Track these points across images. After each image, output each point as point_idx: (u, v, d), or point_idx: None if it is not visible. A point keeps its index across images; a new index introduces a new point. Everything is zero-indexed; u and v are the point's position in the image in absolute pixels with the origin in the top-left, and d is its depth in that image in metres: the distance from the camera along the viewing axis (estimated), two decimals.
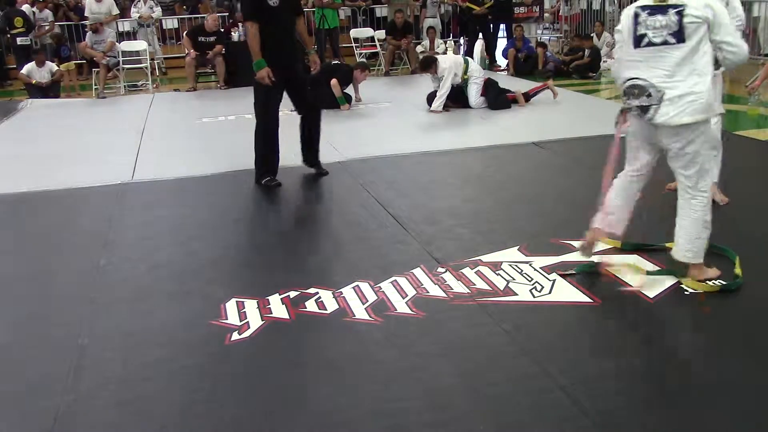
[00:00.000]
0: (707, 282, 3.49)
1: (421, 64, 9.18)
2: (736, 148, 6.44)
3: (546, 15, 15.03)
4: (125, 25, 13.38)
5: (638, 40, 3.40)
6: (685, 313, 3.30)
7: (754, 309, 3.30)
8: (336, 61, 10.45)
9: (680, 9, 3.28)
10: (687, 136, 3.37)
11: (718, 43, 3.32)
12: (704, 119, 3.36)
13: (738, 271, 3.55)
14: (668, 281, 3.54)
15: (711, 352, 2.97)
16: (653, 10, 3.35)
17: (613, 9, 13.89)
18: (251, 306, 3.51)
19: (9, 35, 12.36)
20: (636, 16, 3.41)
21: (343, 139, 7.30)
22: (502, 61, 12.80)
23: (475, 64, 9.12)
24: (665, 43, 3.32)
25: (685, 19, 3.27)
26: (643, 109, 3.40)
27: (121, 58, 11.80)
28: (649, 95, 3.37)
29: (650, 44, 3.36)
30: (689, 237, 3.51)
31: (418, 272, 3.81)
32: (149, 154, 7.00)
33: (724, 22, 3.30)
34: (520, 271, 3.79)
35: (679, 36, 3.30)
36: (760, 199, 4.90)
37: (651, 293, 3.44)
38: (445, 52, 12.65)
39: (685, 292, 3.44)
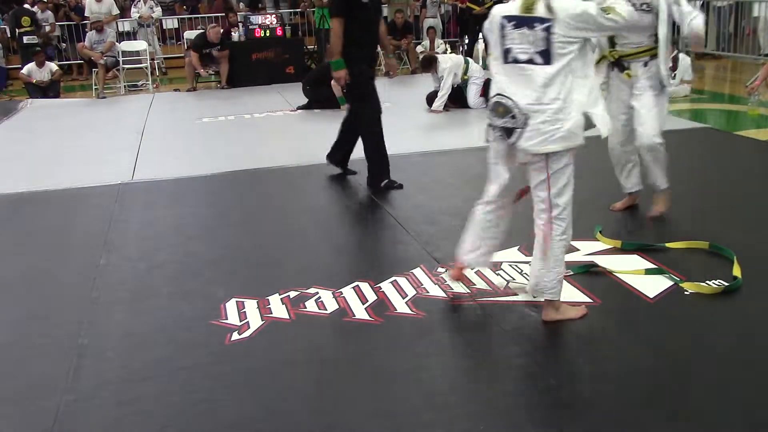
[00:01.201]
0: (708, 284, 3.49)
1: (422, 63, 9.19)
2: (737, 149, 6.46)
3: None
4: (125, 25, 13.38)
5: (505, 54, 3.06)
6: (685, 314, 3.30)
7: (753, 309, 3.30)
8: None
9: (548, 25, 2.92)
10: (553, 161, 3.07)
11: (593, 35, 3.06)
12: (571, 147, 3.06)
13: (737, 271, 3.55)
14: (667, 282, 3.54)
15: (711, 353, 2.96)
16: (519, 21, 2.98)
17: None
18: (251, 306, 3.51)
19: (17, 34, 12.40)
20: (502, 27, 3.05)
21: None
22: None
23: (475, 65, 9.12)
24: (531, 61, 2.99)
25: (554, 37, 2.93)
26: (507, 132, 3.07)
27: (120, 58, 11.81)
28: (514, 117, 3.02)
29: (516, 61, 3.03)
30: (548, 269, 3.20)
31: (418, 272, 3.81)
32: (149, 154, 7.00)
33: (590, 20, 2.95)
34: (520, 271, 3.78)
35: (547, 56, 2.96)
36: (761, 199, 4.89)
37: (650, 293, 3.44)
38: (445, 52, 12.65)
39: (685, 293, 3.44)
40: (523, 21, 2.96)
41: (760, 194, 5.02)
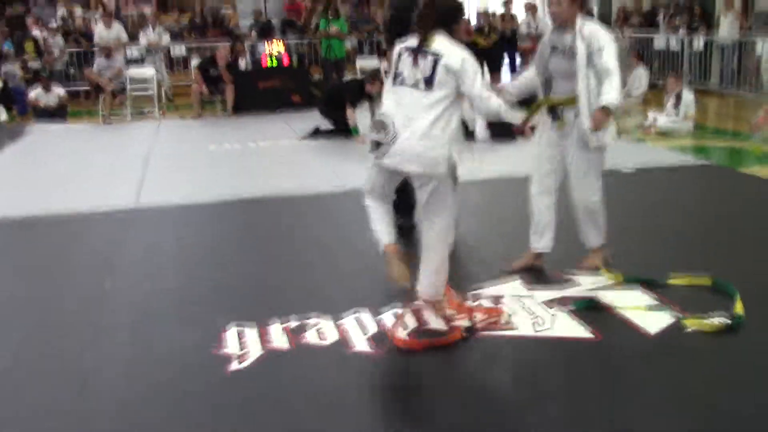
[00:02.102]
0: (709, 321, 3.48)
1: None
2: (740, 185, 6.47)
3: None
4: (134, 52, 13.50)
5: (396, 77, 3.41)
6: (686, 350, 3.29)
7: (755, 348, 3.28)
8: (347, 79, 10.17)
9: (437, 57, 3.30)
10: (419, 180, 3.41)
11: (467, 95, 3.34)
12: (432, 173, 3.33)
13: (739, 308, 3.54)
14: (669, 318, 3.53)
15: (711, 389, 2.95)
16: (414, 51, 3.36)
17: (619, 45, 14.00)
18: (252, 334, 3.51)
19: (21, 60, 12.53)
20: (399, 54, 3.43)
21: (347, 167, 7.33)
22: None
23: None
24: (415, 86, 3.32)
25: (439, 68, 3.28)
26: (376, 145, 3.37)
27: (128, 84, 11.91)
28: (386, 133, 3.32)
29: (403, 83, 3.36)
30: (432, 275, 3.58)
31: (419, 303, 3.80)
32: (155, 180, 7.04)
33: (469, 74, 3.30)
34: (522, 304, 3.78)
35: (429, 83, 3.29)
36: (763, 236, 4.90)
37: (651, 329, 3.44)
38: None
39: (687, 330, 3.43)
40: (418, 51, 3.36)
41: (762, 231, 5.02)
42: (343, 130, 8.80)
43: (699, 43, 12.44)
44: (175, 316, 3.82)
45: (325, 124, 9.12)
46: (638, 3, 14.63)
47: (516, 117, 3.52)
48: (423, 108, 3.30)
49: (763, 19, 12.25)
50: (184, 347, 3.45)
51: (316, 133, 9.08)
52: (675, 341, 3.35)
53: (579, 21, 3.87)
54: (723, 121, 10.38)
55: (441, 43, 3.35)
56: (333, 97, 9.13)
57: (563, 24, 3.91)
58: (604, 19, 15.63)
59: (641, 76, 11.45)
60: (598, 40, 3.81)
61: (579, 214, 4.12)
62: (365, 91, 8.82)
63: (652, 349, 3.31)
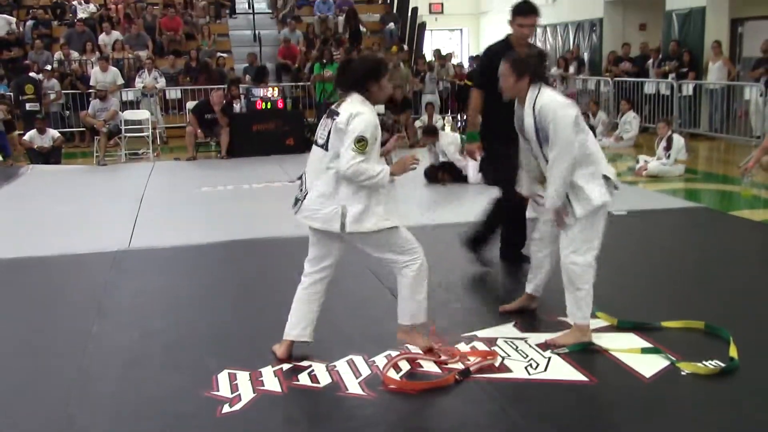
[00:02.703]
0: (704, 364, 3.47)
1: (424, 131, 9.39)
2: (731, 229, 6.50)
3: None
4: (129, 95, 13.60)
5: (316, 137, 3.55)
6: (681, 395, 3.27)
7: (750, 391, 3.27)
8: None
9: (335, 116, 3.40)
10: (335, 238, 3.54)
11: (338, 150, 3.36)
12: (329, 229, 3.45)
13: (733, 352, 3.53)
14: (664, 361, 3.52)
15: None
16: (329, 112, 3.50)
17: (608, 89, 14.18)
18: (243, 378, 3.47)
19: (19, 101, 12.62)
20: (325, 116, 3.56)
21: None
22: None
23: (451, 134, 9.34)
24: (322, 146, 3.46)
25: (333, 127, 3.39)
26: (295, 202, 3.56)
27: (123, 126, 11.98)
28: (301, 190, 3.54)
29: (315, 143, 3.52)
30: (404, 301, 3.62)
31: (412, 347, 3.77)
32: (147, 222, 7.03)
33: (345, 134, 3.32)
34: (515, 347, 3.76)
35: (326, 142, 3.42)
36: (755, 279, 4.90)
37: (647, 373, 3.41)
38: (443, 128, 12.86)
39: (681, 373, 3.41)
40: (330, 112, 3.48)
41: (754, 274, 5.04)
42: None
43: (688, 88, 12.61)
44: (165, 360, 3.78)
45: None
46: (627, 49, 14.85)
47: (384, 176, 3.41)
48: (321, 167, 3.45)
49: (750, 64, 12.44)
50: (174, 391, 3.41)
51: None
52: (670, 385, 3.33)
53: (531, 93, 3.71)
54: (713, 165, 10.48)
55: (348, 103, 3.42)
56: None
57: (515, 99, 3.82)
58: (595, 64, 15.89)
59: (631, 120, 11.59)
60: (546, 116, 3.62)
61: (563, 277, 3.79)
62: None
63: (647, 392, 3.28)
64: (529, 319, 4.14)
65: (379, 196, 3.46)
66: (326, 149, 3.42)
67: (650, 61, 14.05)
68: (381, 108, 13.12)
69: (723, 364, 3.45)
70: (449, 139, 8.93)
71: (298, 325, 3.69)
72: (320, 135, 3.49)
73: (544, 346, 3.75)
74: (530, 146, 3.82)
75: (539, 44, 18.76)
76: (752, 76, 11.77)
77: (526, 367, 3.53)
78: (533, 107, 3.68)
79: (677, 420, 3.05)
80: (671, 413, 3.11)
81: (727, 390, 3.28)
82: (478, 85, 5.04)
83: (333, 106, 3.50)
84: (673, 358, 3.52)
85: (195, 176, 9.91)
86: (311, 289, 3.69)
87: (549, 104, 3.64)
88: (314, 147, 3.53)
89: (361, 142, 3.29)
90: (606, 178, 3.70)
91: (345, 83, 3.50)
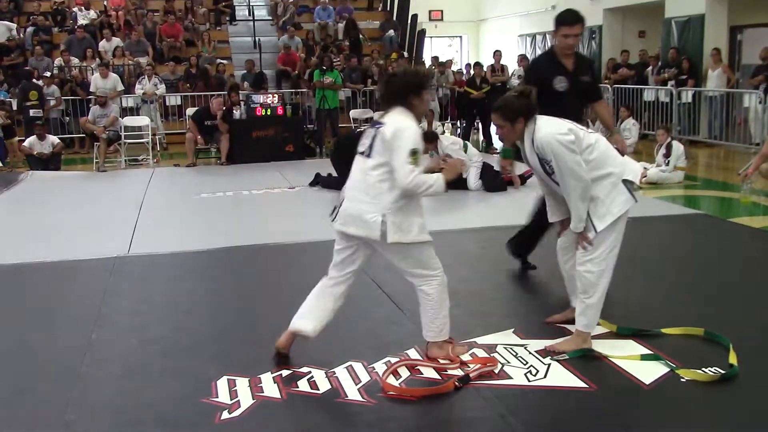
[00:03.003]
0: (703, 371, 3.47)
1: (426, 136, 9.34)
2: (731, 235, 6.51)
3: None
4: (129, 101, 13.62)
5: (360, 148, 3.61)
6: (681, 401, 3.26)
7: (749, 398, 3.26)
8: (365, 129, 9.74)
9: (379, 126, 3.48)
10: (371, 245, 3.56)
11: (392, 165, 3.40)
12: (368, 236, 3.46)
13: (733, 359, 3.53)
14: (663, 368, 3.51)
15: None
16: (373, 123, 3.61)
17: (607, 96, 14.21)
18: (242, 384, 3.47)
19: (23, 107, 12.65)
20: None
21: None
22: (498, 144, 13.01)
23: (473, 148, 9.28)
24: (362, 153, 3.54)
25: (378, 136, 3.45)
26: (333, 210, 3.62)
27: (123, 133, 11.99)
28: (339, 198, 3.61)
29: (359, 153, 3.58)
30: (429, 318, 3.64)
31: (412, 353, 3.77)
32: (147, 228, 7.03)
33: (397, 148, 3.37)
34: (515, 354, 3.76)
35: (370, 150, 3.48)
36: (755, 286, 4.90)
37: (647, 379, 3.41)
38: (443, 134, 12.88)
39: (681, 380, 3.41)
40: (374, 123, 3.59)
41: (754, 281, 5.04)
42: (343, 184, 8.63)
43: (687, 95, 12.63)
44: (164, 366, 3.77)
45: (331, 172, 8.91)
46: (626, 56, 14.88)
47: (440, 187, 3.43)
48: (362, 174, 3.51)
49: (749, 72, 12.47)
50: (173, 397, 3.40)
51: (316, 180, 8.96)
52: (670, 391, 3.32)
53: (528, 131, 3.69)
54: (712, 172, 10.49)
55: (392, 115, 3.50)
56: (344, 147, 8.88)
57: (515, 141, 3.84)
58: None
59: (631, 127, 11.60)
60: (545, 151, 3.62)
61: (576, 281, 3.82)
62: None
63: (647, 399, 3.28)
64: (528, 325, 4.14)
65: (419, 209, 3.52)
66: (368, 156, 3.49)
67: (649, 69, 14.08)
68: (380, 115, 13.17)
69: (723, 371, 3.45)
70: (450, 140, 8.95)
71: (304, 317, 3.75)
72: (363, 143, 3.54)
73: (543, 352, 3.75)
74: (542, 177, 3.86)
75: (539, 51, 18.83)
76: (751, 84, 11.79)
77: (525, 374, 3.52)
78: (533, 143, 3.68)
79: (677, 427, 3.05)
80: (671, 420, 3.10)
81: (726, 397, 3.28)
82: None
83: (376, 117, 3.57)
84: (672, 365, 3.52)
85: (195, 182, 9.91)
86: (333, 290, 3.75)
87: (544, 138, 3.61)
88: (357, 156, 3.58)
89: (414, 155, 3.36)
90: (627, 183, 3.69)
91: (389, 97, 3.58)
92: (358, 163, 3.56)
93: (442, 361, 3.62)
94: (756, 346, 3.76)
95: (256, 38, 16.19)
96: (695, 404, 3.24)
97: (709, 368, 3.49)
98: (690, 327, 3.98)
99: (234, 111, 12.06)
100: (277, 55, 15.56)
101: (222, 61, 15.23)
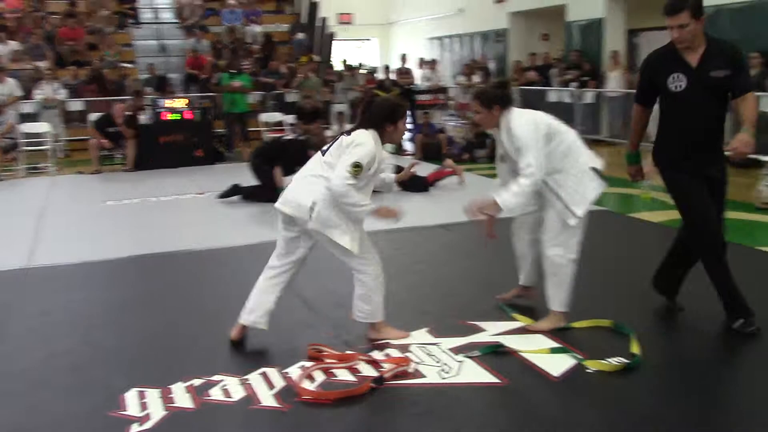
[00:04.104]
0: (608, 361, 3.59)
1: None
2: (633, 230, 6.77)
3: (450, 102, 15.62)
4: (28, 107, 13.05)
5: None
6: (589, 391, 3.37)
7: (652, 385, 3.40)
8: (289, 137, 9.17)
9: (346, 135, 3.77)
10: (311, 234, 3.83)
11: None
12: (299, 215, 3.73)
13: (635, 349, 3.67)
14: (571, 360, 3.63)
15: (615, 428, 3.03)
16: (347, 132, 3.83)
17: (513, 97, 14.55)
18: (153, 396, 3.38)
19: None
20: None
21: (252, 221, 7.26)
22: (408, 146, 13.13)
23: (384, 152, 9.28)
24: (322, 151, 3.84)
25: (338, 140, 3.78)
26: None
27: (21, 140, 11.50)
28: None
29: (321, 151, 3.86)
30: (361, 302, 3.91)
31: (326, 356, 3.76)
32: (49, 238, 6.76)
33: (346, 154, 3.66)
34: (428, 353, 3.80)
35: (326, 150, 3.80)
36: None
37: (555, 372, 3.51)
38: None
39: (588, 371, 3.53)
40: (346, 132, 3.82)
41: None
42: (267, 192, 8.09)
43: (589, 96, 13.08)
44: (71, 381, 3.63)
45: (249, 182, 8.53)
46: (533, 59, 15.29)
47: (366, 210, 3.75)
48: (313, 167, 3.80)
49: None
50: (81, 412, 3.29)
51: (231, 190, 8.47)
52: (578, 383, 3.43)
53: (504, 120, 3.95)
54: (614, 170, 10.86)
55: (362, 133, 3.75)
56: (269, 153, 8.55)
57: (490, 128, 4.11)
58: (501, 73, 16.27)
59: None
60: (518, 140, 3.87)
61: (545, 269, 4.06)
62: (305, 155, 8.52)
63: (556, 391, 3.37)
64: (441, 324, 4.20)
65: (351, 221, 3.77)
66: (323, 154, 3.79)
67: (553, 70, 14.52)
68: (291, 118, 13.09)
69: (627, 361, 3.58)
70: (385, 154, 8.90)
71: (253, 312, 3.95)
72: (328, 146, 3.82)
73: (456, 350, 3.81)
74: (510, 167, 4.07)
75: (448, 54, 19.13)
76: None
77: (439, 372, 3.57)
78: (507, 131, 3.94)
79: (585, 416, 3.14)
80: (579, 410, 3.20)
81: (630, 385, 3.40)
82: (639, 99, 4.23)
83: (349, 127, 3.86)
84: (580, 357, 3.64)
85: (99, 190, 9.60)
86: (274, 281, 3.96)
87: (515, 129, 3.89)
88: (317, 154, 3.86)
89: (357, 167, 3.62)
90: (594, 169, 4.01)
91: (365, 122, 3.81)
92: (315, 158, 3.84)
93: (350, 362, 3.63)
94: (658, 334, 3.93)
95: (162, 41, 15.83)
96: (602, 394, 3.35)
97: (614, 359, 3.62)
98: (598, 319, 4.12)
99: (140, 116, 11.75)
100: (185, 58, 15.26)
101: (126, 64, 14.81)
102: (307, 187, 3.74)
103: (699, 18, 3.75)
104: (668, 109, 4.03)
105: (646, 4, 13.92)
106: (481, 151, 11.68)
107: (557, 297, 4.05)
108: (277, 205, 3.81)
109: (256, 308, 3.94)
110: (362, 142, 3.68)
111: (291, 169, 8.17)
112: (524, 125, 3.88)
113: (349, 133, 3.78)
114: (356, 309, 3.93)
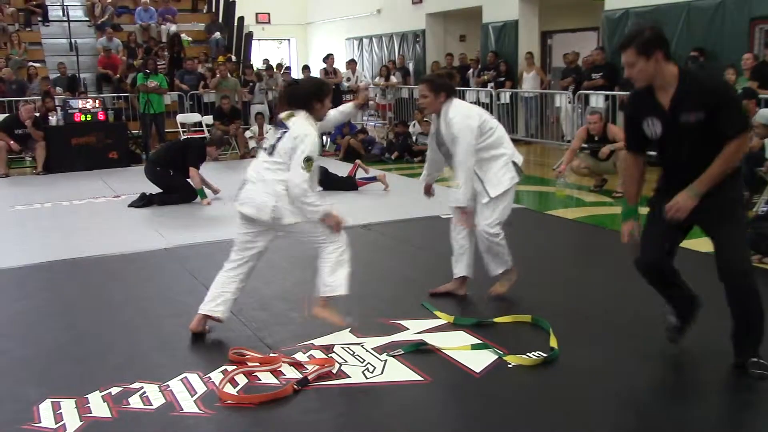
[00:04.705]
0: (528, 356, 3.67)
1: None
2: (547, 227, 6.94)
3: (371, 103, 15.68)
4: None
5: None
6: (509, 386, 3.44)
7: (569, 377, 3.49)
8: (186, 138, 8.86)
9: (285, 131, 3.89)
10: (271, 230, 4.01)
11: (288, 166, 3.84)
12: (259, 216, 3.88)
13: (553, 342, 3.77)
14: (492, 355, 3.69)
15: (534, 421, 3.09)
16: (278, 123, 3.98)
17: None
18: (68, 406, 3.26)
19: None
20: (272, 125, 4.15)
21: (168, 224, 7.11)
22: (330, 146, 13.12)
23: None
24: (265, 149, 3.96)
25: (283, 139, 3.86)
26: (237, 195, 4.01)
27: None
28: (241, 186, 4.00)
29: (263, 149, 4.00)
30: (324, 275, 4.00)
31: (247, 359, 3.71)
32: None
33: (298, 154, 3.79)
34: (352, 353, 3.80)
35: (272, 149, 3.89)
36: (569, 273, 5.26)
37: (477, 368, 3.56)
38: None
39: (509, 365, 3.59)
40: (279, 123, 3.96)
41: (572, 267, 5.40)
42: (176, 195, 8.14)
43: (506, 96, 13.34)
44: None
45: (152, 189, 8.28)
46: (450, 59, 15.48)
47: (319, 212, 3.86)
48: (263, 166, 3.91)
49: (559, 74, 13.37)
50: None
51: (145, 201, 8.11)
52: (499, 377, 3.49)
53: (445, 107, 4.39)
54: (530, 168, 11.12)
55: (297, 120, 3.89)
56: (171, 157, 8.30)
57: (432, 112, 4.48)
58: (419, 74, 16.42)
59: None
60: (451, 128, 4.32)
61: (479, 245, 4.54)
62: (205, 153, 8.39)
63: (478, 386, 3.42)
64: (364, 324, 4.20)
65: None
66: (271, 154, 3.89)
67: (470, 71, 14.73)
68: (209, 119, 12.87)
69: (545, 354, 3.67)
70: None
71: (211, 302, 4.04)
72: (267, 143, 3.95)
73: (380, 349, 3.82)
74: (444, 151, 4.51)
75: (366, 54, 19.18)
76: (561, 85, 12.64)
77: (363, 372, 3.57)
78: (445, 119, 4.37)
79: (508, 411, 3.20)
80: (501, 404, 3.26)
81: (548, 378, 3.48)
82: (628, 144, 3.66)
83: (281, 117, 3.95)
84: (500, 352, 3.70)
85: (8, 194, 9.21)
86: (232, 273, 4.07)
87: (454, 118, 4.33)
88: (260, 152, 4.00)
89: (308, 161, 3.77)
90: (515, 164, 4.48)
91: (292, 102, 3.97)
92: (260, 157, 3.96)
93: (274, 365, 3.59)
94: (572, 329, 4.03)
95: (72, 40, 15.32)
96: (523, 388, 3.42)
97: (534, 353, 3.70)
98: (519, 314, 4.21)
99: (50, 117, 11.34)
100: (96, 57, 14.81)
101: (34, 64, 14.26)
102: (264, 188, 3.85)
103: (649, 56, 3.23)
104: (661, 161, 3.53)
105: (557, 6, 14.34)
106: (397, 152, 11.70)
107: (496, 262, 4.55)
108: (237, 206, 3.96)
109: (215, 298, 4.04)
110: (305, 134, 3.81)
111: (187, 169, 8.12)
112: (461, 116, 4.33)
113: (285, 127, 3.88)
114: (321, 284, 4.00)
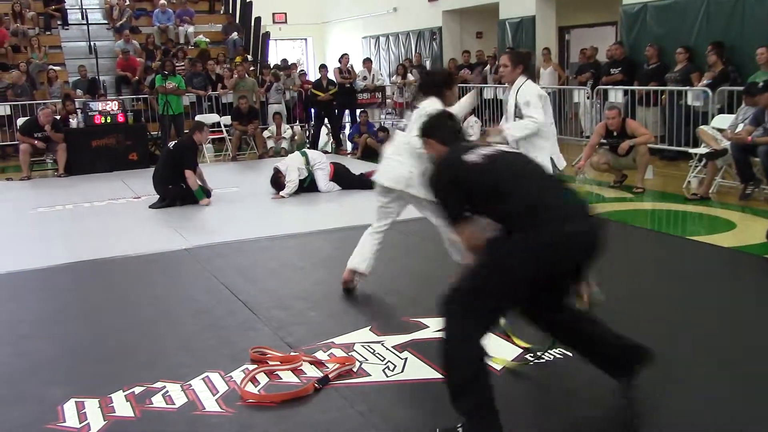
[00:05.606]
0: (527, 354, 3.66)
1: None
2: None
3: (388, 101, 15.67)
4: None
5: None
6: (530, 383, 3.43)
7: (583, 372, 3.48)
8: (172, 144, 8.93)
9: (417, 109, 4.43)
10: (403, 198, 4.54)
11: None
12: (395, 187, 4.45)
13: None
14: (513, 353, 3.68)
15: (557, 418, 3.09)
16: (413, 108, 4.48)
17: None
18: (92, 406, 3.30)
19: None
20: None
21: (188, 225, 7.16)
22: (347, 145, 13.14)
23: (315, 153, 9.17)
24: (401, 129, 4.52)
25: (413, 116, 4.38)
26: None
27: None
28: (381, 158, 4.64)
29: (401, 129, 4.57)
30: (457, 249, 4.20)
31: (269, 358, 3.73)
32: None
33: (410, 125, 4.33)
34: (372, 351, 3.81)
35: (406, 127, 4.47)
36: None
37: (498, 366, 3.55)
38: (292, 137, 12.84)
39: (529, 363, 3.59)
40: (414, 108, 4.48)
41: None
42: (178, 200, 8.20)
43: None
44: (5, 393, 3.52)
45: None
46: (467, 56, 15.45)
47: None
48: (400, 143, 4.48)
49: (575, 69, 13.29)
50: (17, 426, 3.19)
51: (166, 202, 8.20)
52: (520, 374, 3.48)
53: (519, 81, 4.96)
54: None
55: (427, 102, 4.36)
56: (173, 167, 8.28)
57: (508, 83, 5.04)
58: None
59: (473, 125, 12.06)
60: (525, 95, 4.87)
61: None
62: (196, 147, 8.46)
63: (499, 383, 3.41)
64: (384, 322, 4.21)
65: None
66: (403, 131, 4.53)
67: (488, 68, 14.69)
68: (227, 119, 12.92)
69: (531, 357, 3.65)
70: (284, 165, 8.72)
71: (356, 257, 4.69)
72: (404, 123, 4.53)
73: (400, 347, 3.82)
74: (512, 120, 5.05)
75: (383, 52, 19.18)
76: (579, 81, 12.57)
77: (383, 370, 3.58)
78: (517, 90, 4.94)
79: (528, 407, 3.19)
80: (523, 402, 3.24)
81: (569, 375, 3.47)
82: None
83: (415, 102, 4.57)
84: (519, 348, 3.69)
85: (30, 196, 9.32)
86: (373, 236, 4.71)
87: (528, 88, 4.92)
88: (397, 131, 4.72)
89: None
90: (552, 160, 4.89)
91: (426, 89, 4.52)
92: (398, 136, 4.60)
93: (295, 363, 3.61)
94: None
95: (92, 43, 15.45)
96: (542, 384, 3.41)
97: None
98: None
99: (71, 120, 11.45)
100: (115, 60, 14.93)
101: (55, 67, 14.40)
102: (398, 159, 4.40)
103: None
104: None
105: (574, 1, 14.26)
106: None
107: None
108: (375, 178, 4.56)
109: (358, 254, 4.68)
110: (429, 112, 3.98)
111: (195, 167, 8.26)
112: (535, 89, 4.95)
113: (416, 107, 4.43)
114: (452, 255, 4.43)
